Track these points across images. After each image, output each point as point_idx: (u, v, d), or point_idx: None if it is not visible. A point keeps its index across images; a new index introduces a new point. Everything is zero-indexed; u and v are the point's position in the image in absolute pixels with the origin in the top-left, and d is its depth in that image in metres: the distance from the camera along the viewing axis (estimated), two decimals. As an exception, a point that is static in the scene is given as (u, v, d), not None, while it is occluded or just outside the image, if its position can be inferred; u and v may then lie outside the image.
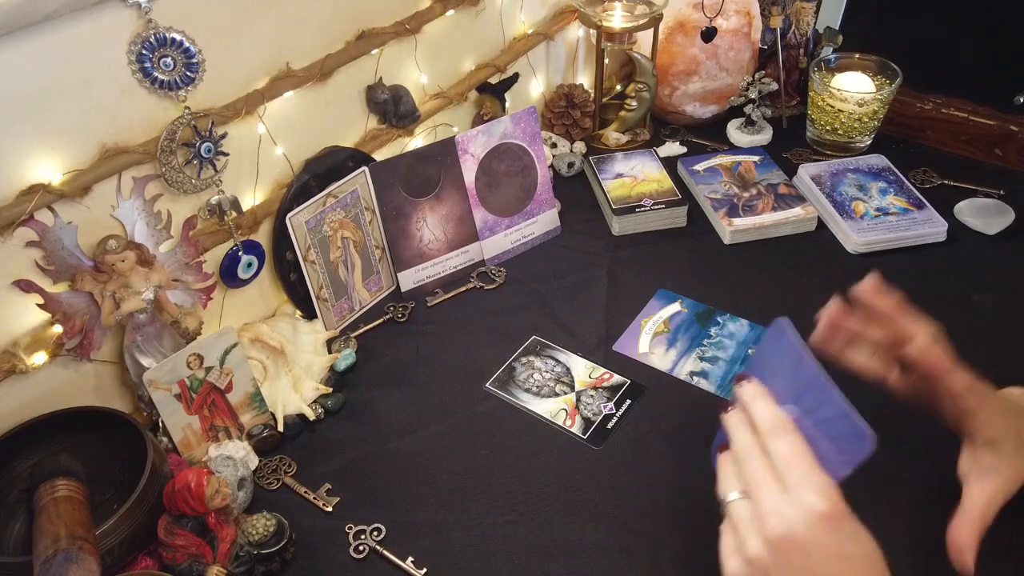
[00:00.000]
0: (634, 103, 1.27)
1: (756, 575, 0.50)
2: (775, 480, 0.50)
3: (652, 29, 1.22)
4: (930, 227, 1.06)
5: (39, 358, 0.74)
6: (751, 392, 0.55)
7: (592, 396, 0.88)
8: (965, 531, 0.61)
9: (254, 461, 0.81)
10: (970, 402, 0.63)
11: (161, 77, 0.74)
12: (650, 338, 0.95)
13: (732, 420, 0.55)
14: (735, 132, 1.30)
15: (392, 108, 1.00)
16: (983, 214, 1.09)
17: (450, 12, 1.03)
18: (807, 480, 0.49)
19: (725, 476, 0.55)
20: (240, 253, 0.88)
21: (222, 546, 0.70)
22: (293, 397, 0.87)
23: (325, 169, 0.94)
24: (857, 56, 1.23)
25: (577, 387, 0.90)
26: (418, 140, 1.08)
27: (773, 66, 1.30)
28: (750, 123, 1.29)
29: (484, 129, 1.03)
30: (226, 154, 0.82)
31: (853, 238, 1.05)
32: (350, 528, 0.76)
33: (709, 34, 1.22)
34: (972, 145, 1.22)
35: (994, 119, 1.20)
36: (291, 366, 0.89)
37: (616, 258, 1.08)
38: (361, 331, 0.98)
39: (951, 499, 0.64)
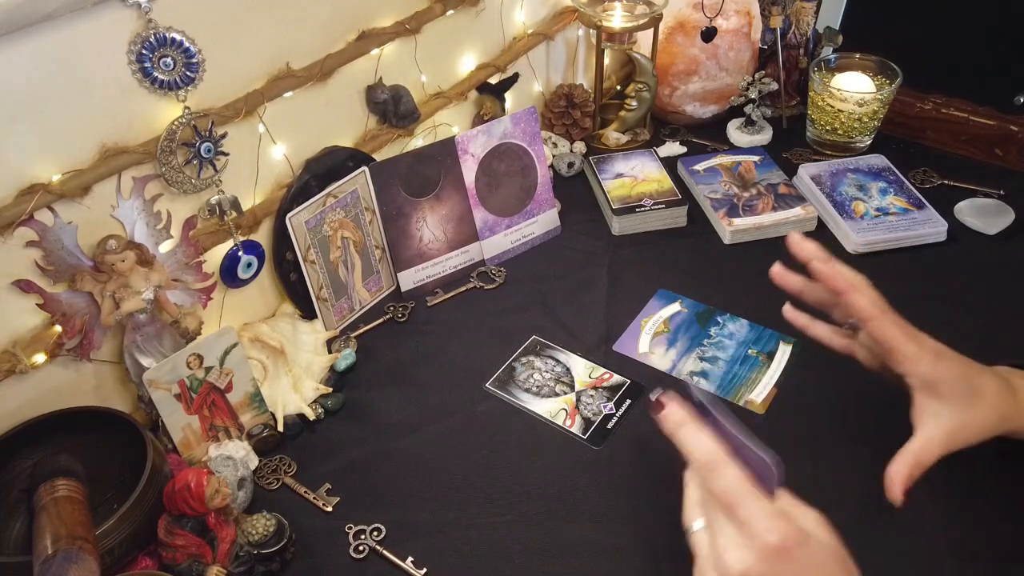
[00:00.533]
0: (634, 103, 1.27)
1: None
2: (727, 513, 0.50)
3: (652, 29, 1.22)
4: (930, 227, 1.06)
5: (39, 358, 0.74)
6: (675, 419, 0.53)
7: (592, 396, 0.88)
8: (897, 465, 0.63)
9: (254, 461, 0.81)
10: (896, 340, 0.64)
11: (161, 77, 0.74)
12: (650, 338, 0.95)
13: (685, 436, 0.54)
14: (735, 132, 1.30)
15: (392, 108, 1.00)
16: (983, 214, 1.09)
17: (450, 12, 1.03)
18: (756, 513, 0.49)
19: (688, 501, 0.55)
20: (240, 253, 0.88)
21: (222, 546, 0.70)
22: (293, 397, 0.87)
23: (325, 169, 0.94)
24: (857, 56, 1.23)
25: (577, 387, 0.90)
26: (418, 140, 1.08)
27: (773, 66, 1.30)
28: (750, 123, 1.29)
29: (484, 129, 1.03)
30: (226, 154, 0.82)
31: (853, 238, 1.05)
32: (350, 528, 0.76)
33: (709, 34, 1.22)
34: (972, 145, 1.22)
35: (994, 119, 1.20)
36: (291, 366, 0.89)
37: (616, 258, 1.08)
38: (361, 331, 0.98)
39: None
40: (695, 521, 0.54)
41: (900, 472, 0.63)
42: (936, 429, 0.63)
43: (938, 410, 0.63)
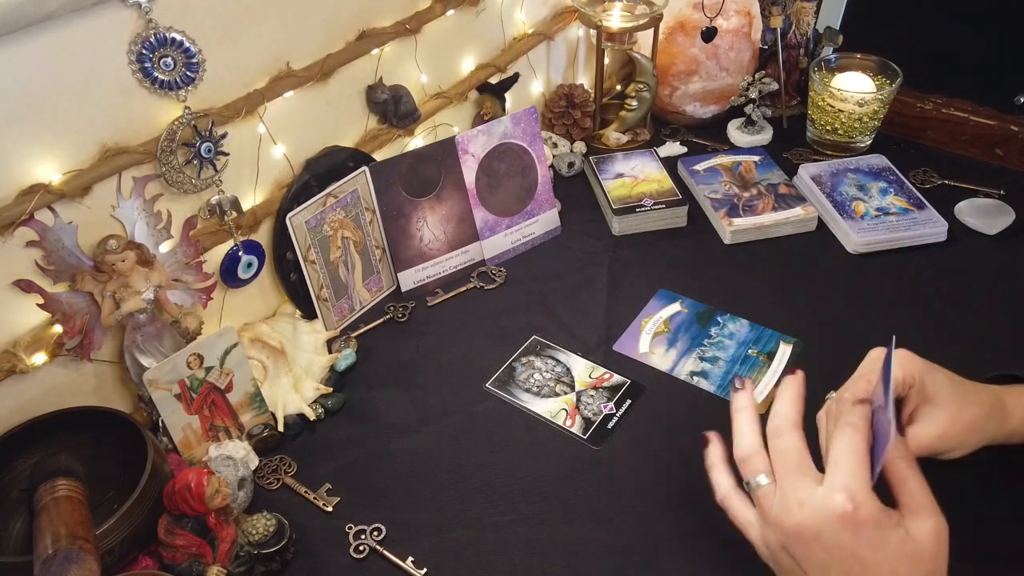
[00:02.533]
0: (634, 103, 1.27)
1: (776, 557, 0.53)
2: (810, 470, 0.52)
3: (652, 29, 1.22)
4: (930, 227, 1.06)
5: (39, 358, 0.74)
6: (739, 404, 0.58)
7: (592, 396, 0.88)
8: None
9: (254, 461, 0.81)
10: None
11: (161, 77, 0.74)
12: (650, 338, 0.95)
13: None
14: (735, 132, 1.30)
15: (392, 108, 1.00)
16: (984, 214, 1.09)
17: (450, 12, 1.03)
18: (842, 478, 0.51)
19: (750, 455, 0.57)
20: (240, 253, 0.88)
21: (222, 546, 0.70)
22: (293, 397, 0.87)
23: (325, 169, 0.94)
24: (857, 56, 1.23)
25: (577, 387, 0.90)
26: (418, 140, 1.08)
27: (773, 66, 1.30)
28: (750, 123, 1.29)
29: (484, 129, 1.03)
30: (226, 154, 0.82)
31: (853, 238, 1.05)
32: (350, 528, 0.76)
33: (709, 34, 1.22)
34: (973, 145, 1.22)
35: (994, 119, 1.20)
36: (291, 366, 0.89)
37: (616, 258, 1.08)
38: (361, 331, 0.98)
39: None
40: (759, 476, 0.55)
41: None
42: (929, 427, 0.63)
43: (935, 415, 0.63)
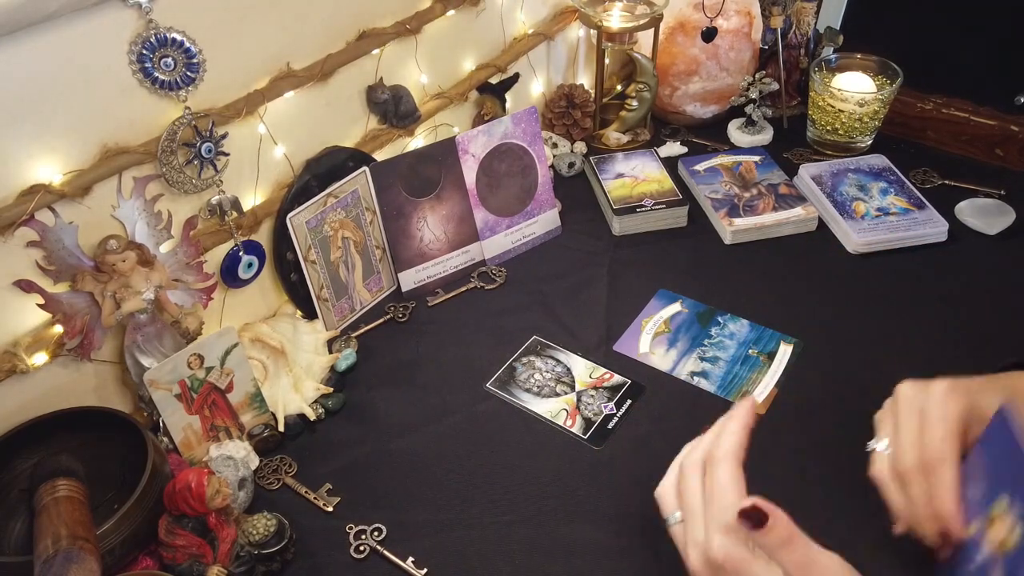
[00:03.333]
0: (635, 103, 1.27)
1: None
2: (703, 510, 0.53)
3: (652, 29, 1.22)
4: (931, 227, 1.06)
5: (40, 358, 0.74)
6: (738, 413, 0.57)
7: (593, 396, 0.88)
8: (950, 502, 0.59)
9: (255, 461, 0.81)
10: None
11: (162, 77, 0.74)
12: (651, 338, 0.95)
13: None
14: (736, 132, 1.30)
15: (393, 108, 1.00)
16: (984, 214, 1.09)
17: (450, 12, 1.03)
18: (721, 517, 0.51)
19: (667, 491, 0.58)
20: (241, 253, 0.88)
21: (223, 546, 0.70)
22: (294, 397, 0.87)
23: (325, 169, 0.94)
24: (858, 56, 1.23)
25: (578, 387, 0.90)
26: (419, 140, 1.08)
27: (774, 66, 1.30)
28: (751, 123, 1.29)
29: (484, 129, 1.03)
30: (227, 154, 0.82)
31: (854, 238, 1.05)
32: (351, 528, 0.76)
33: (710, 34, 1.22)
34: (973, 145, 1.22)
35: (995, 119, 1.20)
36: (292, 366, 0.89)
37: (617, 258, 1.08)
38: (362, 331, 0.98)
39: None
40: (673, 513, 0.57)
41: (955, 508, 0.60)
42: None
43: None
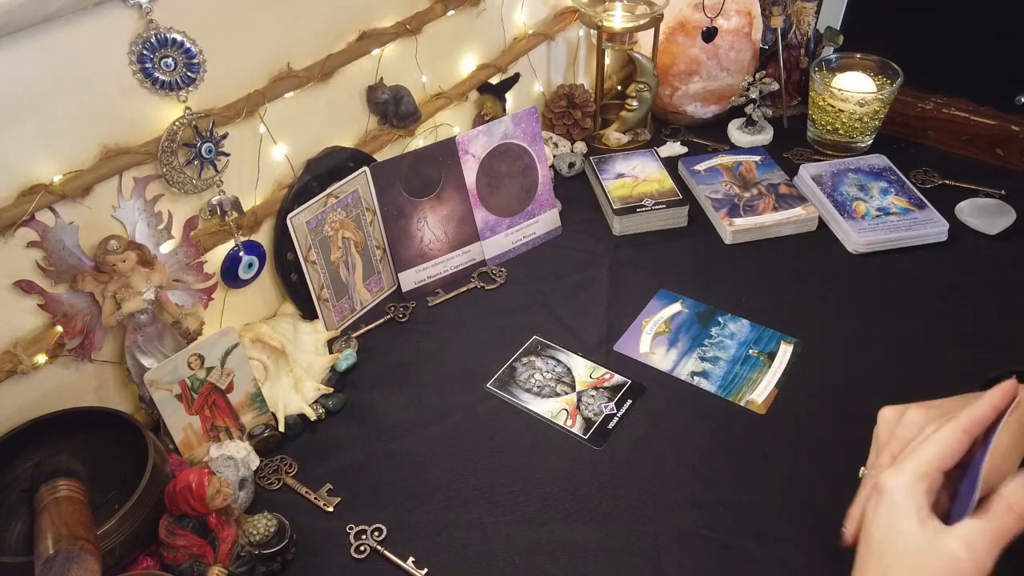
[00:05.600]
0: (635, 103, 1.27)
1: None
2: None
3: (653, 29, 1.22)
4: (931, 227, 1.06)
5: (40, 358, 0.74)
6: (996, 394, 0.54)
7: (593, 396, 0.88)
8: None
9: (255, 461, 0.81)
10: None
11: (162, 77, 0.74)
12: (651, 338, 0.95)
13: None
14: (736, 132, 1.30)
15: (393, 108, 1.00)
16: (984, 214, 1.09)
17: (451, 12, 1.03)
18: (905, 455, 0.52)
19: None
20: (241, 253, 0.88)
21: (223, 546, 0.70)
22: (294, 397, 0.87)
23: (326, 169, 0.94)
24: (858, 56, 1.23)
25: (578, 387, 0.90)
26: (419, 140, 1.08)
27: (774, 66, 1.30)
28: (751, 123, 1.29)
29: (485, 129, 1.03)
30: (227, 154, 0.82)
31: (854, 238, 1.05)
32: (351, 528, 0.76)
33: (710, 34, 1.22)
34: (973, 145, 1.22)
35: (995, 119, 1.20)
36: (292, 366, 0.89)
37: (617, 258, 1.08)
38: (362, 331, 0.98)
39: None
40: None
41: None
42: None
43: None
